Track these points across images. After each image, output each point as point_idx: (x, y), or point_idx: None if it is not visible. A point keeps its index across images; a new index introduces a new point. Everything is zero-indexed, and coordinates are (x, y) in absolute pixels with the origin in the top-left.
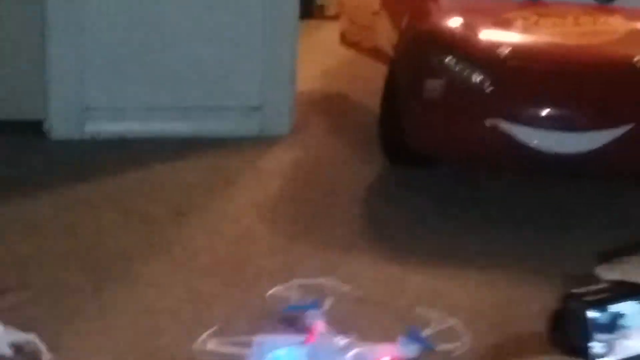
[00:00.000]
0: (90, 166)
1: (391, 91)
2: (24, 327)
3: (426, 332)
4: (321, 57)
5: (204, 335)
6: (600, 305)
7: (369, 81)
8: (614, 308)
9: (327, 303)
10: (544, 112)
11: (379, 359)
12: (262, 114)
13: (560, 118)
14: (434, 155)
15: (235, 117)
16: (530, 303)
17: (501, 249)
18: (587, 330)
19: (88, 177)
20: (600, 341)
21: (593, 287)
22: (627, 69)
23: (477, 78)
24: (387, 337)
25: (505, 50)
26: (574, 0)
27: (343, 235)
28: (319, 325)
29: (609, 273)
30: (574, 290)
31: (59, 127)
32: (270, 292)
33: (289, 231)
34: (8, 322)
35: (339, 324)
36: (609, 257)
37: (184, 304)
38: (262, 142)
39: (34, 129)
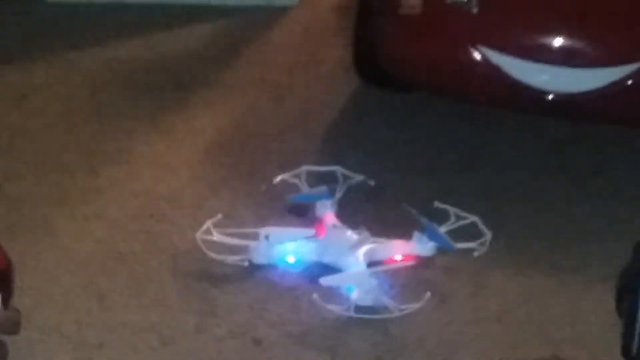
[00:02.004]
0: (86, 33)
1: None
2: (9, 207)
3: (444, 229)
4: None
5: (208, 224)
6: None
7: None
8: None
9: (338, 193)
10: (539, 40)
11: (392, 256)
12: None
13: (558, 50)
14: (408, 81)
15: None
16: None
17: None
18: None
19: (84, 44)
20: None
21: None
22: None
23: None
24: (401, 232)
25: None
26: None
27: (356, 118)
28: (330, 217)
29: None
30: None
31: None
32: (277, 178)
33: (300, 110)
34: None
35: (351, 217)
36: None
37: (186, 188)
38: (270, 12)
39: None
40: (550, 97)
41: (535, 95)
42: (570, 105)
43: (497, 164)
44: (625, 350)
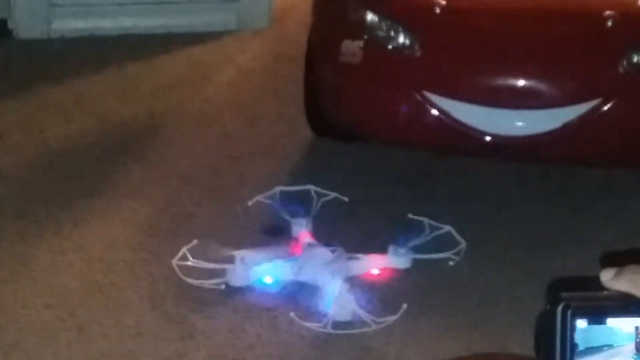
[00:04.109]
0: (58, 67)
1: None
2: None
3: (419, 241)
4: None
5: (184, 250)
6: (593, 315)
7: None
8: (610, 323)
9: (312, 211)
10: (487, 84)
11: (369, 270)
12: (239, 6)
13: (507, 93)
14: (353, 132)
15: (211, 10)
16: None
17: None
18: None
19: (56, 78)
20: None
21: (589, 294)
22: (594, 26)
23: (403, 40)
24: (376, 246)
25: (440, 5)
26: None
27: (326, 137)
28: (305, 235)
29: (615, 281)
30: (564, 294)
31: (24, 25)
32: (252, 200)
33: (272, 133)
34: None
35: (326, 234)
36: (615, 260)
37: (162, 215)
38: (240, 36)
39: None
40: (501, 140)
41: (486, 139)
42: (520, 149)
43: (467, 173)
44: None
